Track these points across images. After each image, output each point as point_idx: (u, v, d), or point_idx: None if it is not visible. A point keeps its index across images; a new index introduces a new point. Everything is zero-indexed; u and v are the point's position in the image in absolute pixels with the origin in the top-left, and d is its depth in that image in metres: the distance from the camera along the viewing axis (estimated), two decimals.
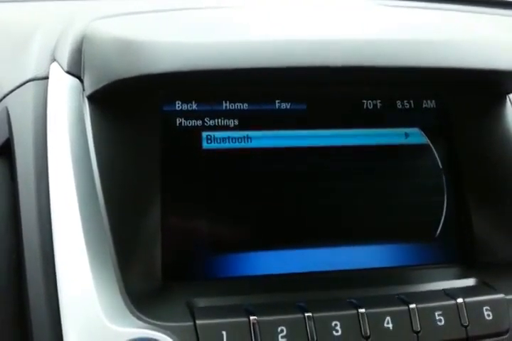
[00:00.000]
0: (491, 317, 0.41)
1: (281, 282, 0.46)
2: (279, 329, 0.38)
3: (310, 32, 0.42)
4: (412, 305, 0.40)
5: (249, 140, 0.49)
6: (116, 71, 0.40)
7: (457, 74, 0.45)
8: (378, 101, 0.52)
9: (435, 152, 0.52)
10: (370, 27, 0.45)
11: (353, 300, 0.41)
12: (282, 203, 0.48)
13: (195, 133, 0.48)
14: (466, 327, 0.40)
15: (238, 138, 0.48)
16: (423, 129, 0.52)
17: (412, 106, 0.53)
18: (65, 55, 0.46)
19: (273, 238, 0.47)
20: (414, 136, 0.52)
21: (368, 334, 0.39)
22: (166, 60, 0.38)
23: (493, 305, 0.41)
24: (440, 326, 0.40)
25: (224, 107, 0.49)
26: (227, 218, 0.47)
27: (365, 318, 0.39)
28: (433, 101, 0.53)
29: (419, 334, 0.40)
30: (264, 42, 0.39)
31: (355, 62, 0.40)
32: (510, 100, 0.53)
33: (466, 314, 0.40)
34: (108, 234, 0.40)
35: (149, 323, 0.37)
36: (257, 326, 0.38)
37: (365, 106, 0.52)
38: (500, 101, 0.53)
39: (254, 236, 0.47)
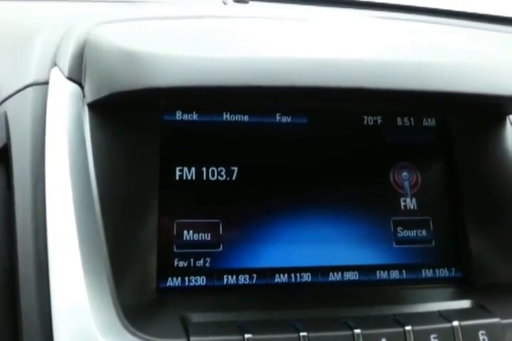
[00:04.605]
0: None
1: (277, 297, 0.45)
2: None
3: (313, 51, 0.42)
4: (408, 327, 0.40)
5: None
6: (119, 82, 0.39)
7: (459, 98, 0.45)
8: (379, 117, 0.52)
9: (433, 170, 0.52)
10: (373, 47, 0.45)
11: (349, 321, 0.40)
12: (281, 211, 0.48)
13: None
14: None
15: None
16: (422, 147, 0.52)
17: (413, 123, 0.53)
18: (66, 60, 0.45)
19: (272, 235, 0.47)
20: (413, 153, 0.52)
21: None
22: (171, 75, 0.37)
23: (488, 329, 0.41)
24: None
25: (224, 118, 0.49)
26: (225, 229, 0.46)
27: (361, 339, 0.39)
28: (433, 119, 0.54)
29: None
30: (269, 59, 0.39)
31: (357, 83, 0.40)
32: (510, 121, 0.53)
33: (461, 337, 0.40)
34: (103, 245, 0.39)
35: (143, 339, 0.37)
36: None
37: (365, 122, 0.52)
38: (500, 122, 0.53)
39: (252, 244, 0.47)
